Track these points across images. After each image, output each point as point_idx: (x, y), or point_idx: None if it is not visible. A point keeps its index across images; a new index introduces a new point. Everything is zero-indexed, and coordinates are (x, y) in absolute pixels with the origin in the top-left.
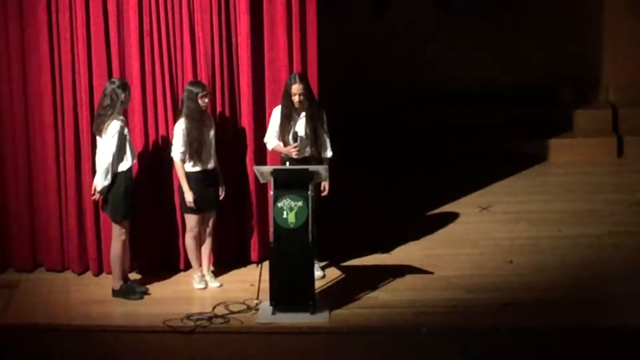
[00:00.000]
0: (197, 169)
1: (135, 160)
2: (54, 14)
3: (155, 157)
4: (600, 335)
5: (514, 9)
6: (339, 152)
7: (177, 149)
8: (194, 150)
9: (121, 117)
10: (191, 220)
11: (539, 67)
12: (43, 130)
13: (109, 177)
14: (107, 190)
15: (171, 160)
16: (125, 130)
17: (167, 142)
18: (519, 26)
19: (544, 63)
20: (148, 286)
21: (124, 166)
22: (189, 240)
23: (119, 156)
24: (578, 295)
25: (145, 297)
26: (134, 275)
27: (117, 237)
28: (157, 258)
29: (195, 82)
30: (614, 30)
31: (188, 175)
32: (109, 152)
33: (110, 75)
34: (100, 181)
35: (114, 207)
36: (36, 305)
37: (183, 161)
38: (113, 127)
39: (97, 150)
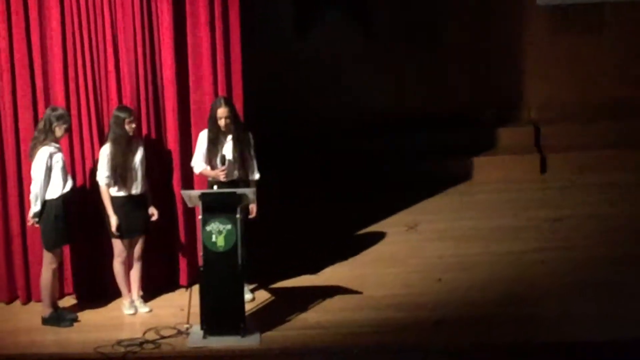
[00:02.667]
0: (122, 194)
1: (68, 189)
2: None
3: (83, 182)
4: (532, 351)
5: (434, 33)
6: (265, 174)
7: (102, 173)
8: (118, 175)
9: (54, 145)
10: (118, 245)
11: (461, 89)
12: None
13: (38, 203)
14: (38, 217)
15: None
16: (57, 158)
17: (94, 167)
18: (440, 49)
19: (466, 84)
20: (79, 313)
21: (53, 194)
22: (117, 265)
23: (46, 183)
24: (508, 312)
25: (76, 324)
26: (69, 301)
27: (47, 265)
28: (88, 284)
29: (122, 108)
30: (534, 49)
31: (113, 200)
32: (36, 178)
33: (34, 101)
34: (32, 207)
35: (44, 234)
36: None
37: (108, 185)
38: (41, 154)
39: None
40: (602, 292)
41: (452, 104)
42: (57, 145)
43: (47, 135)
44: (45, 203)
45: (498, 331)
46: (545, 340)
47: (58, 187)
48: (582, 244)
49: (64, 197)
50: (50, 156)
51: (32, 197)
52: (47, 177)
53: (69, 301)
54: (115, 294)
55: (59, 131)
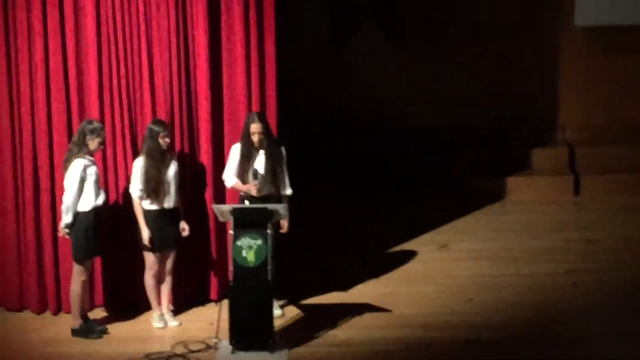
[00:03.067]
0: (155, 207)
1: (100, 202)
2: (12, 54)
3: (116, 194)
4: None
5: (471, 52)
6: (297, 190)
7: (135, 186)
8: (151, 188)
9: (89, 157)
10: (150, 258)
11: (496, 108)
12: (1, 168)
13: (70, 215)
14: (69, 228)
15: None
16: (91, 171)
17: (127, 180)
18: (475, 68)
19: (501, 104)
20: (108, 325)
21: (85, 206)
22: (148, 278)
23: (79, 195)
24: (538, 333)
25: (105, 336)
26: (99, 313)
27: (77, 276)
28: (120, 296)
29: (157, 121)
30: (571, 70)
31: (145, 213)
32: (69, 190)
33: (69, 115)
34: (63, 218)
35: (74, 246)
36: None
37: (141, 198)
38: (74, 166)
39: None
40: (634, 316)
41: (486, 123)
42: (91, 158)
43: (81, 148)
44: (76, 215)
45: (528, 352)
46: None
47: (90, 200)
48: (615, 266)
49: (95, 210)
50: (84, 169)
51: (63, 208)
52: (79, 189)
53: (98, 313)
54: (145, 307)
55: (92, 144)
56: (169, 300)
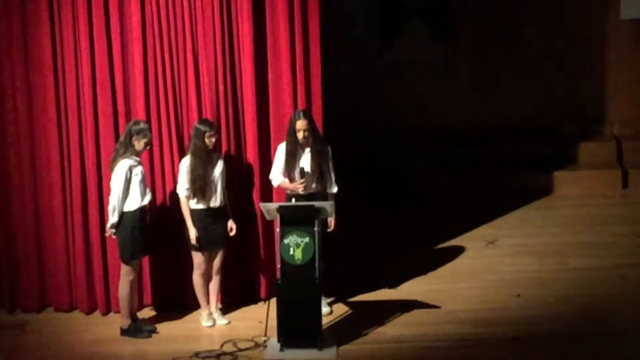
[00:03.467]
0: (202, 206)
1: (146, 202)
2: (59, 55)
3: (163, 194)
4: None
5: (517, 47)
6: (345, 187)
7: (182, 185)
8: (198, 187)
9: (135, 158)
10: (197, 257)
11: (543, 102)
12: (50, 170)
13: (116, 215)
14: (115, 228)
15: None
16: (137, 171)
17: (174, 180)
18: (523, 63)
19: (549, 98)
20: (157, 324)
21: (131, 206)
22: (196, 278)
23: (125, 196)
24: (586, 329)
25: (154, 335)
26: (148, 312)
27: (124, 276)
28: (168, 296)
29: (204, 121)
30: (618, 64)
31: (192, 213)
32: (115, 190)
33: (115, 115)
34: (110, 218)
35: (121, 246)
36: (45, 345)
37: (188, 198)
38: (120, 167)
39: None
40: None
41: (534, 118)
42: (138, 159)
43: (128, 148)
44: (122, 215)
45: (576, 348)
46: (623, 358)
47: (136, 200)
48: None
49: (142, 210)
50: (130, 169)
51: (110, 208)
52: (125, 190)
53: (147, 313)
54: (194, 306)
55: (138, 145)
56: (218, 299)
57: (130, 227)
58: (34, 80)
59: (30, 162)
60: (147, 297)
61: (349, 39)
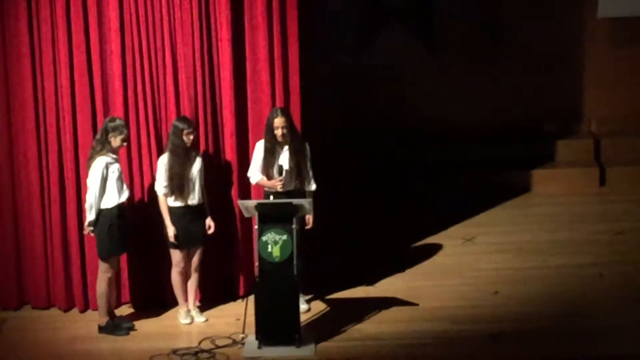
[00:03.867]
0: (180, 204)
1: (124, 200)
2: (37, 49)
3: (141, 191)
4: None
5: (493, 46)
6: (322, 185)
7: (160, 183)
8: (175, 185)
9: (111, 155)
10: (176, 255)
11: (521, 101)
12: (27, 167)
13: (93, 212)
14: (93, 226)
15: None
16: (113, 168)
17: (152, 177)
18: (499, 61)
19: (526, 96)
20: (135, 322)
21: (108, 203)
22: (175, 275)
23: (102, 193)
24: (564, 326)
25: (132, 332)
26: (126, 310)
27: (102, 274)
28: (146, 293)
29: (182, 119)
30: (595, 62)
31: (171, 210)
32: (91, 188)
33: (94, 112)
34: (87, 216)
35: (99, 244)
36: (23, 343)
37: (166, 195)
38: (97, 164)
39: None
40: None
41: (511, 116)
42: (114, 156)
43: (104, 146)
44: (100, 212)
45: (554, 345)
46: (601, 355)
47: (114, 197)
48: None
49: (119, 207)
50: (106, 166)
51: (87, 206)
52: (102, 187)
53: (125, 310)
54: (172, 303)
55: (115, 142)
56: (196, 296)
57: (107, 225)
58: (11, 77)
59: (8, 160)
60: (125, 295)
61: (331, 39)
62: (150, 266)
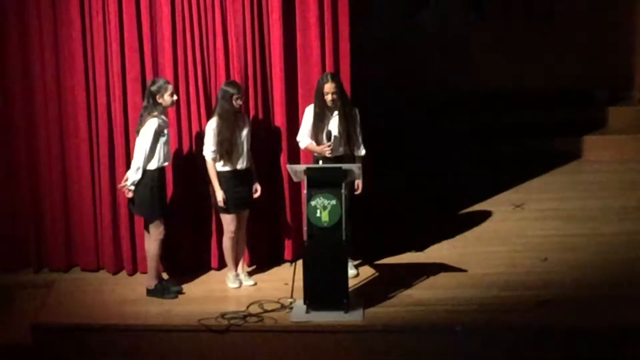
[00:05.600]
0: (228, 168)
1: (167, 163)
2: (87, 16)
3: (188, 156)
4: (636, 334)
5: (548, 11)
6: (372, 151)
7: (209, 147)
8: (224, 150)
9: (162, 117)
10: (226, 219)
11: (573, 67)
12: (77, 131)
13: (139, 172)
14: (135, 186)
15: (204, 159)
16: (165, 132)
17: (200, 142)
18: (553, 28)
19: (579, 63)
20: (183, 286)
21: (152, 165)
22: (226, 240)
23: (151, 154)
24: (612, 293)
25: (180, 296)
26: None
27: (153, 236)
28: (192, 257)
29: (231, 83)
30: None
31: (219, 175)
32: (140, 148)
33: (143, 76)
34: (131, 175)
35: (140, 204)
36: (71, 305)
37: (214, 160)
38: (148, 125)
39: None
40: None
41: (564, 82)
42: (165, 119)
43: (155, 108)
44: (144, 172)
45: (603, 312)
46: None
47: (158, 160)
48: None
49: (160, 170)
50: (160, 127)
51: (134, 166)
52: (152, 149)
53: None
54: (221, 267)
55: (165, 101)
56: (244, 260)
57: (150, 186)
58: (61, 43)
59: (58, 124)
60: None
61: (382, 5)
62: (197, 230)
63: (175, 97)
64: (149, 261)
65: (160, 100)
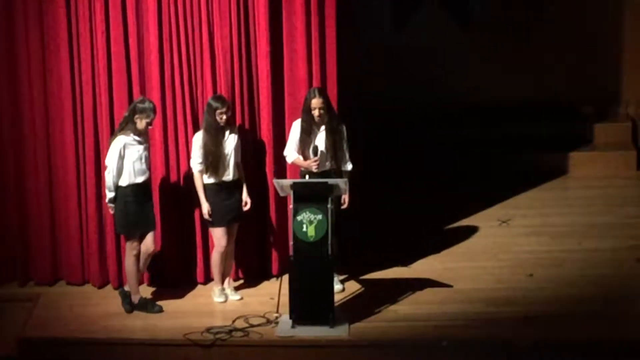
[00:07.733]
0: (214, 180)
1: (141, 179)
2: (74, 28)
3: (174, 170)
4: (620, 349)
5: (534, 25)
6: (359, 165)
7: (195, 160)
8: (210, 163)
9: (134, 136)
10: (217, 233)
11: (559, 82)
12: (64, 144)
13: (112, 190)
14: (112, 203)
15: (191, 172)
16: (132, 150)
17: (187, 155)
18: (539, 41)
19: (565, 78)
20: (168, 300)
21: (122, 182)
22: (215, 254)
23: (118, 173)
24: (599, 309)
25: (165, 310)
26: (148, 289)
27: (127, 251)
28: (177, 271)
29: (217, 97)
30: (634, 44)
31: (206, 187)
32: (107, 167)
33: (130, 89)
34: (107, 193)
35: (116, 221)
36: (57, 318)
37: (201, 172)
38: (115, 143)
39: None
40: None
41: (549, 98)
42: (138, 138)
43: (128, 125)
44: (117, 189)
45: (588, 328)
46: (636, 339)
47: (128, 177)
48: None
49: (133, 187)
50: (124, 146)
51: (106, 184)
52: (118, 167)
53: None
54: (207, 281)
55: (140, 124)
56: (231, 274)
57: (123, 202)
58: (48, 55)
59: (45, 137)
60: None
61: (367, 18)
62: (180, 243)
63: (150, 127)
64: (127, 277)
65: (136, 121)
